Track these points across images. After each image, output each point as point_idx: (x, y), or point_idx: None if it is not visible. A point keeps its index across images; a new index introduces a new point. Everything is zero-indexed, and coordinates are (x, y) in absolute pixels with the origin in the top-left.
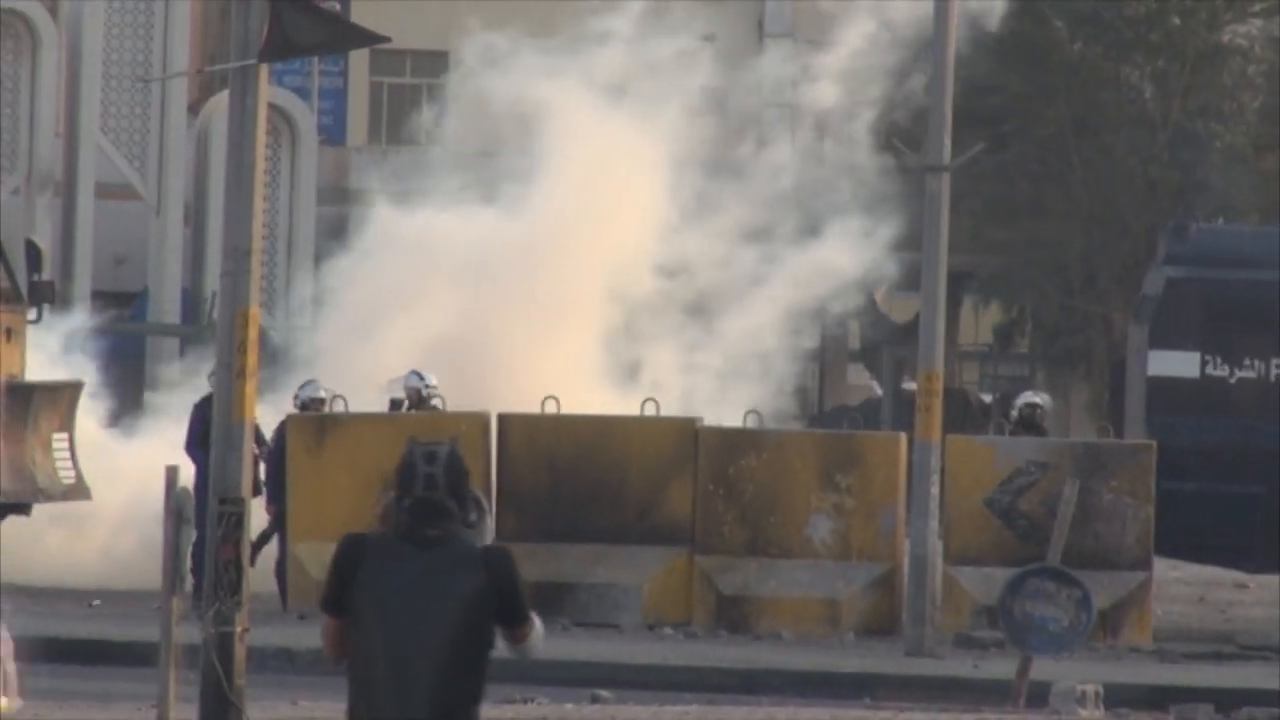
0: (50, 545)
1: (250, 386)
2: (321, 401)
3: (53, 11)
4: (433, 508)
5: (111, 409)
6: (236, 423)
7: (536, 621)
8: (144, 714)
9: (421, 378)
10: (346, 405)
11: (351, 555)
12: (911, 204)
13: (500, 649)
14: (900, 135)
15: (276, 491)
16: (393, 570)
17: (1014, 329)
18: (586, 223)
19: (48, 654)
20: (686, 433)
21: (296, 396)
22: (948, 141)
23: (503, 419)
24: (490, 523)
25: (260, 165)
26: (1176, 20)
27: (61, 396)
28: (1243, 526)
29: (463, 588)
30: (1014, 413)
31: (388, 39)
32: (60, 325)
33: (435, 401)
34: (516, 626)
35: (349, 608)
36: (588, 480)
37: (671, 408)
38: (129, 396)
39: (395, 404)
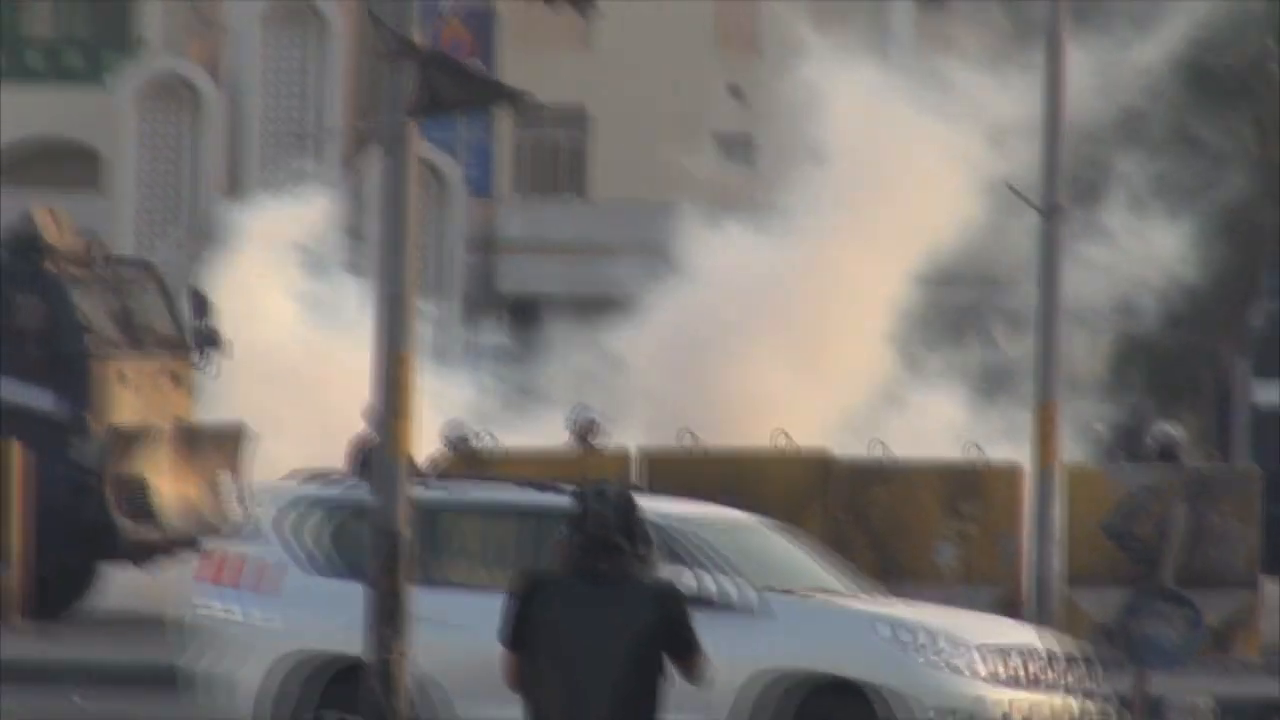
0: None
1: (407, 426)
2: (466, 439)
3: (213, 73)
4: (604, 545)
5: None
6: (393, 460)
7: (708, 663)
8: None
9: (587, 410)
10: (495, 440)
11: (527, 592)
12: None
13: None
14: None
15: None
16: (567, 607)
17: (1125, 361)
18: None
19: None
20: (819, 464)
21: (445, 437)
22: (1062, 184)
23: (644, 452)
24: (658, 559)
25: (412, 216)
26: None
27: (227, 438)
28: None
29: (635, 623)
30: (1149, 441)
31: (531, 96)
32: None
33: (599, 440)
34: (687, 658)
35: (526, 643)
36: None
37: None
38: None
39: (451, 443)
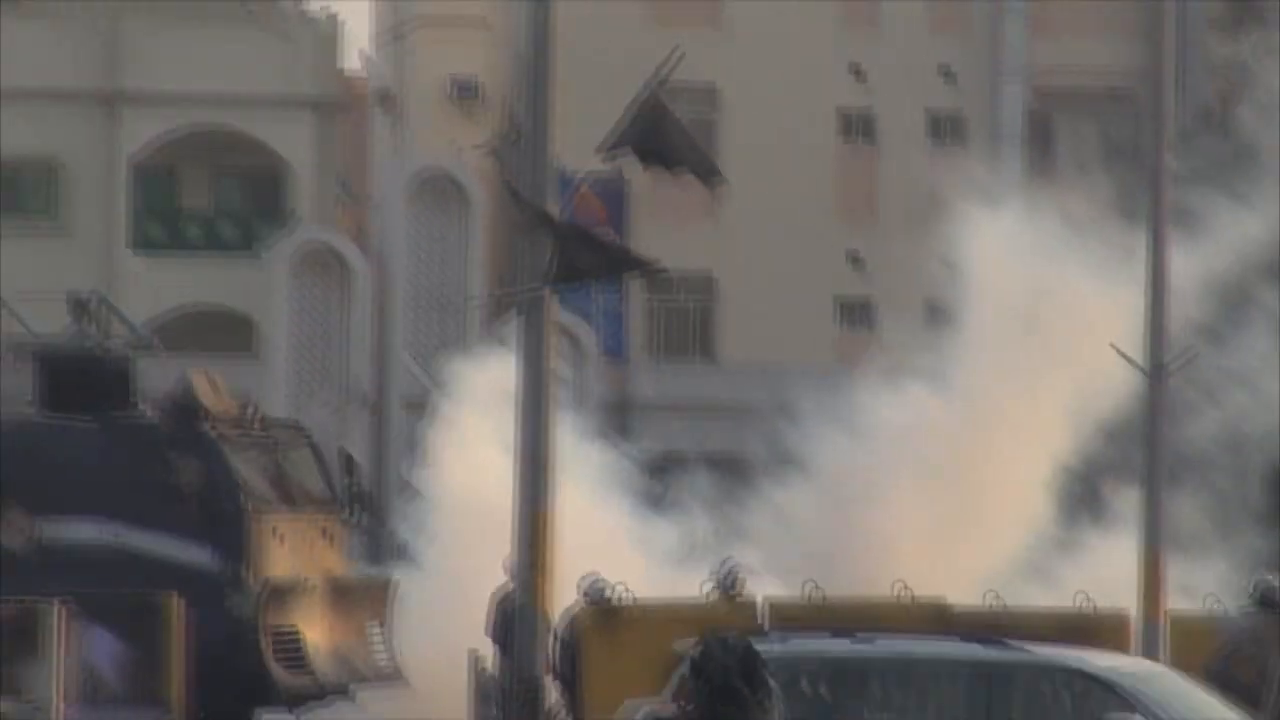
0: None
1: (545, 581)
2: (604, 593)
3: (361, 244)
4: (728, 694)
5: None
6: (533, 612)
7: None
8: None
9: (733, 562)
10: (632, 594)
11: None
12: None
13: None
14: None
15: (567, 674)
16: None
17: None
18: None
19: None
20: (936, 614)
21: (585, 592)
22: (1166, 344)
23: (769, 602)
24: (782, 707)
25: (550, 379)
26: None
27: (376, 591)
28: None
29: None
30: (1251, 590)
31: (660, 264)
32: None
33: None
34: None
35: None
36: None
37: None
38: None
39: (590, 598)
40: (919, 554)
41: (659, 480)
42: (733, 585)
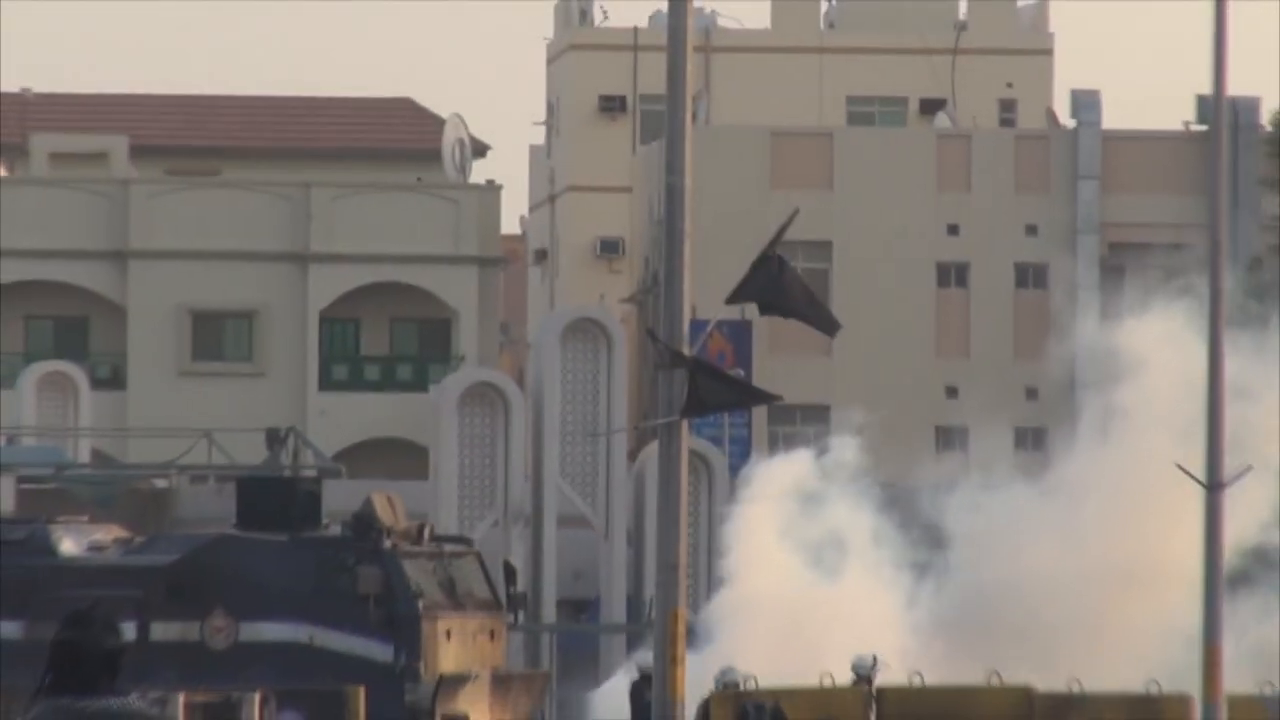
0: None
1: (682, 671)
2: (736, 684)
3: (519, 380)
4: None
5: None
6: (672, 699)
7: None
8: None
9: (868, 658)
10: (757, 683)
11: None
12: None
13: None
14: None
15: None
16: None
17: None
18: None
19: None
20: (1024, 697)
21: (719, 682)
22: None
23: (879, 691)
24: None
25: (684, 499)
26: None
27: (535, 684)
28: None
29: None
30: None
31: (781, 398)
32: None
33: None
34: None
35: None
36: None
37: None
38: (589, 684)
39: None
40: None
41: None
42: (869, 671)
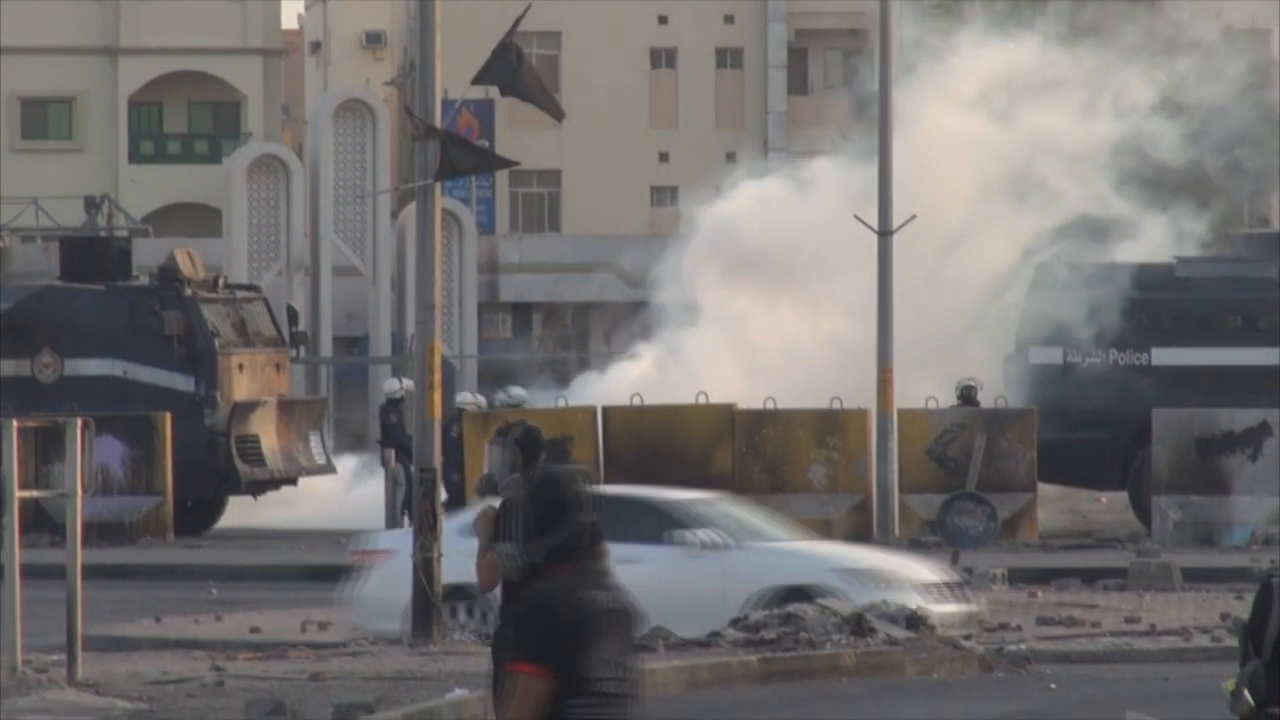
0: (304, 506)
1: (438, 395)
2: (470, 402)
3: (298, 152)
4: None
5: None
6: (429, 419)
7: None
8: None
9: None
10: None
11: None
12: None
13: None
14: None
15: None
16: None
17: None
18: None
19: (307, 575)
20: (726, 413)
21: (468, 403)
22: (891, 212)
23: (605, 410)
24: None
25: (439, 249)
26: None
27: (314, 407)
28: (1095, 461)
29: None
30: (957, 390)
31: (519, 163)
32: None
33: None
34: None
35: None
36: (663, 447)
37: None
38: (359, 407)
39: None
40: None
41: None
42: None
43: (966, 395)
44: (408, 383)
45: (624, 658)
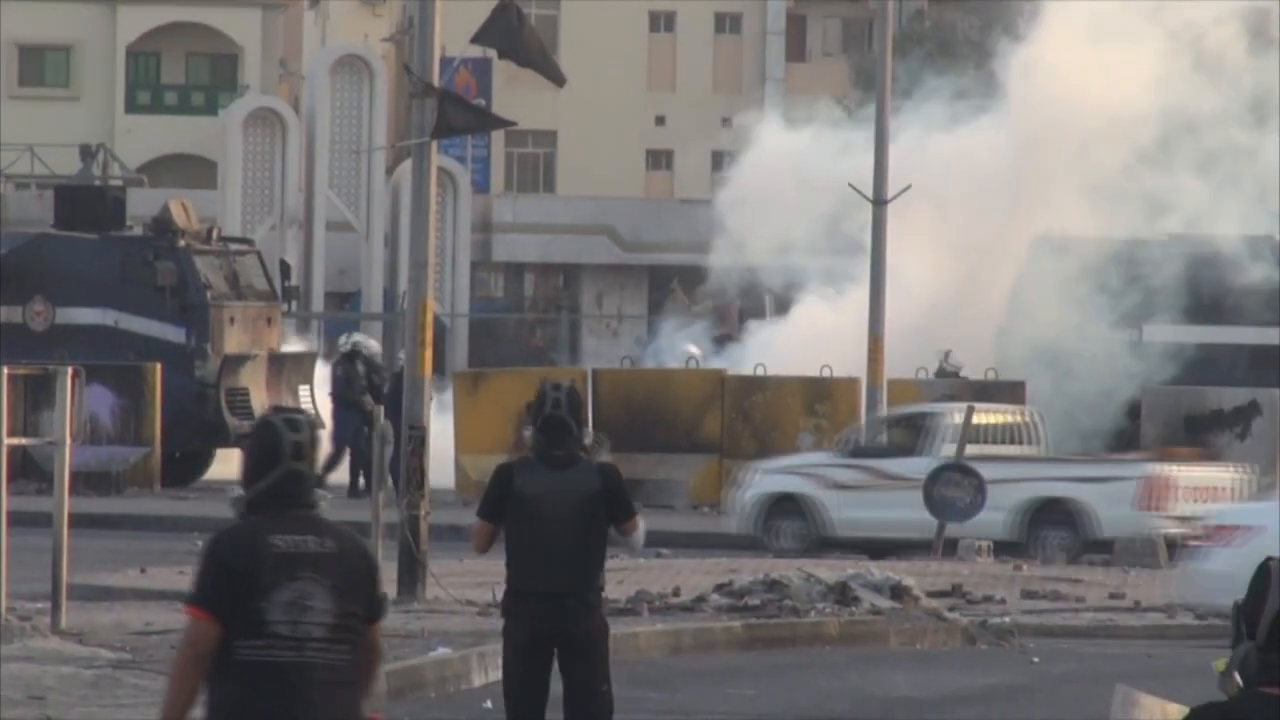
0: None
1: (429, 352)
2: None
3: (295, 106)
4: (558, 424)
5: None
6: (420, 376)
7: (641, 522)
8: None
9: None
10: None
11: (504, 477)
12: None
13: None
14: None
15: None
16: (535, 482)
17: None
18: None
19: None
20: (715, 379)
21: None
22: (887, 182)
23: (595, 372)
24: (606, 452)
25: (433, 206)
26: None
27: (304, 361)
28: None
29: (585, 491)
30: (941, 363)
31: (516, 123)
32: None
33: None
34: (624, 522)
35: (504, 514)
36: (652, 411)
37: None
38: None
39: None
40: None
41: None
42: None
43: (948, 368)
44: (357, 337)
45: (313, 601)
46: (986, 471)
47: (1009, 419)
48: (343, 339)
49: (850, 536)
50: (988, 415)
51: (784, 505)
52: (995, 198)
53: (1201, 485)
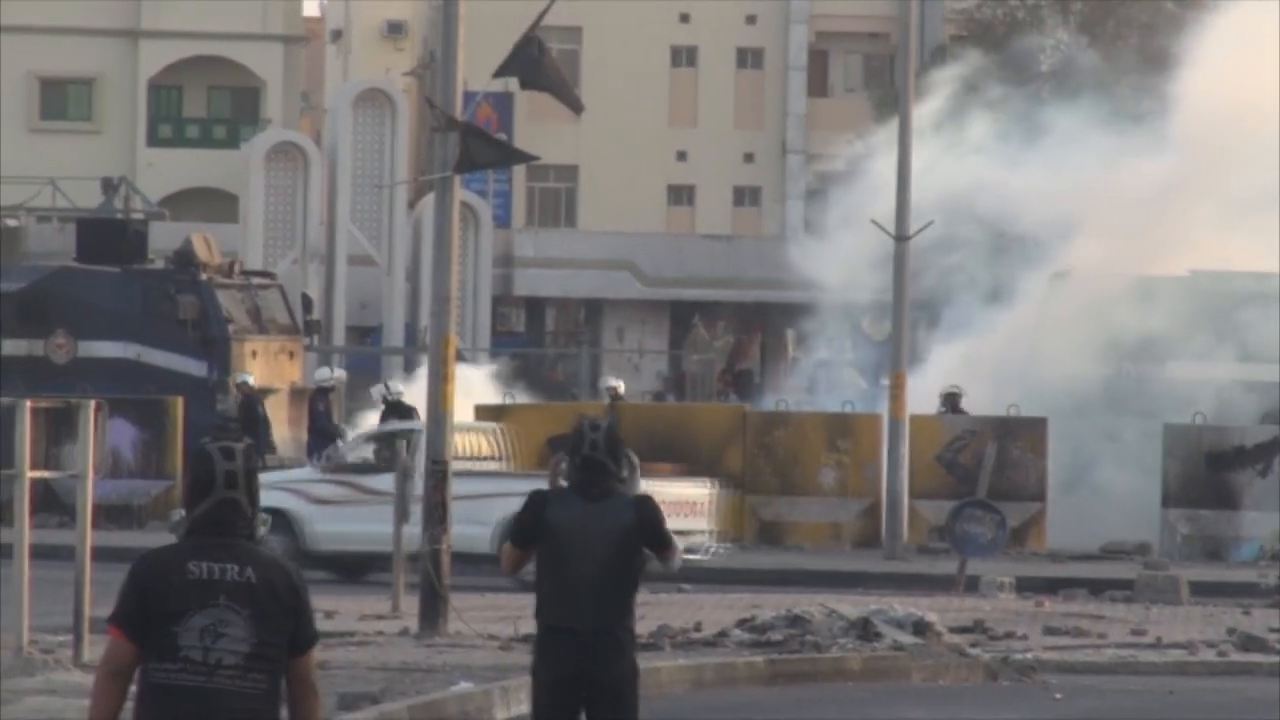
0: None
1: (451, 387)
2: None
3: (317, 140)
4: (595, 466)
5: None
6: (443, 410)
7: (679, 545)
8: (384, 600)
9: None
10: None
11: (538, 505)
12: None
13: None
14: None
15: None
16: (568, 515)
17: None
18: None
19: (326, 564)
20: (738, 414)
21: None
22: (910, 218)
23: (615, 406)
24: (638, 477)
25: (455, 241)
26: None
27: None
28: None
29: (619, 526)
30: (941, 397)
31: (538, 157)
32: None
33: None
34: (663, 550)
35: (534, 542)
36: (674, 445)
37: None
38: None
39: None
40: None
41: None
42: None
43: (950, 401)
44: (339, 372)
45: (228, 629)
46: (461, 487)
47: (484, 439)
48: (323, 372)
49: (329, 550)
50: (465, 436)
51: (275, 521)
52: (1149, 230)
53: (679, 500)
